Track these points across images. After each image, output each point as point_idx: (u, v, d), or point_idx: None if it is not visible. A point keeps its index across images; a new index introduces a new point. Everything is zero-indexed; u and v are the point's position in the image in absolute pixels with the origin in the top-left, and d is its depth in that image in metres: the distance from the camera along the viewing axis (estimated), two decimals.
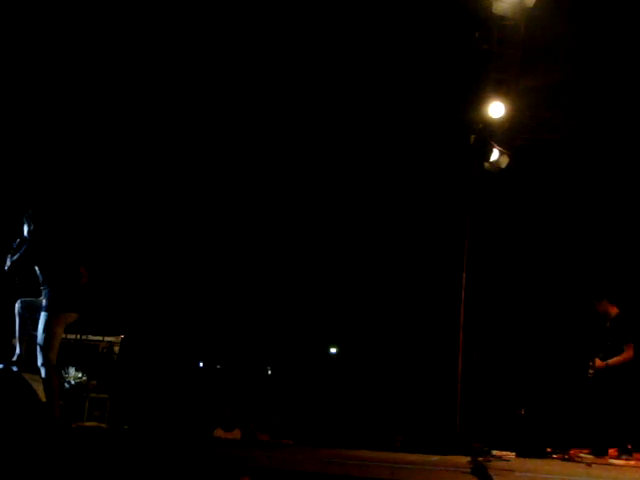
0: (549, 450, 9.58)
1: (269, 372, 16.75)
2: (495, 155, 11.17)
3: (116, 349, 10.35)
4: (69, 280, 7.15)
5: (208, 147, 14.70)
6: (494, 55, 11.38)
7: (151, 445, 6.88)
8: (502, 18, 10.77)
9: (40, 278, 7.16)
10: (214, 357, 16.53)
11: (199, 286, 15.21)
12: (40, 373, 7.06)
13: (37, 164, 12.79)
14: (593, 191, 11.37)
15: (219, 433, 10.29)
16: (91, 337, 10.17)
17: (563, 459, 9.09)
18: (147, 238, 14.57)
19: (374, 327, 14.48)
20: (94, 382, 8.85)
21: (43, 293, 7.13)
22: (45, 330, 6.99)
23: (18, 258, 7.10)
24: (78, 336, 9.35)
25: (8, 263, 7.14)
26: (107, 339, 10.33)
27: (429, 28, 12.36)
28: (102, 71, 13.39)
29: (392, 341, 14.07)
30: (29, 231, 7.25)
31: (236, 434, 10.40)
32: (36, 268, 7.18)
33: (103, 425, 8.01)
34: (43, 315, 7.02)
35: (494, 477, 5.84)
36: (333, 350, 17.56)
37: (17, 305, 7.26)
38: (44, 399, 7.04)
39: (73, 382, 8.47)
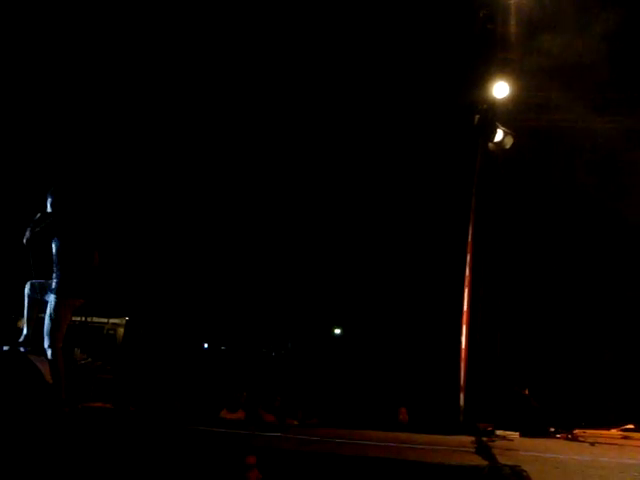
0: (552, 430, 9.63)
1: (273, 354, 16.81)
2: (499, 135, 11.12)
3: (121, 331, 10.39)
4: (81, 264, 7.10)
5: (221, 135, 14.72)
6: (498, 35, 11.32)
7: (157, 425, 6.91)
8: None
9: (54, 258, 7.09)
10: (219, 339, 16.58)
11: (204, 269, 15.23)
12: (46, 355, 7.06)
13: (61, 149, 12.90)
14: (599, 172, 11.34)
15: (224, 414, 10.33)
16: (96, 319, 10.20)
17: (566, 438, 9.14)
18: (152, 221, 14.58)
19: (377, 308, 14.49)
20: (99, 363, 8.89)
21: (53, 275, 7.09)
22: (53, 313, 6.97)
23: (39, 231, 7.01)
24: (83, 318, 9.37)
25: (28, 235, 7.07)
26: (112, 321, 10.37)
27: (433, 8, 12.28)
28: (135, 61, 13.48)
29: (395, 322, 14.10)
30: (52, 204, 7.19)
31: (241, 415, 10.44)
32: (52, 246, 7.11)
33: (109, 406, 8.04)
34: (52, 298, 7.00)
35: (498, 457, 5.89)
36: (337, 331, 17.59)
37: (27, 287, 7.25)
38: (51, 380, 7.06)
39: (79, 363, 8.51)
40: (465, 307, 10.95)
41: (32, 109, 13.06)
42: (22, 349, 7.28)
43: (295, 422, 10.46)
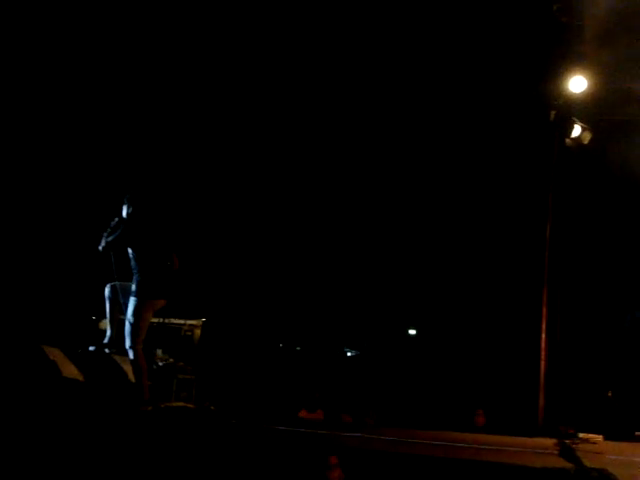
0: (638, 433, 9.34)
1: (348, 354, 16.83)
2: (577, 131, 10.88)
3: (197, 332, 10.52)
4: (160, 266, 7.20)
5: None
6: (573, 28, 11.07)
7: (238, 425, 6.99)
8: None
9: (132, 262, 7.22)
10: (293, 339, 16.69)
11: (278, 270, 15.35)
12: (128, 355, 7.22)
13: (140, 150, 13.19)
14: None
15: (303, 414, 10.40)
16: (174, 321, 10.35)
17: None
18: (227, 223, 14.77)
19: (453, 308, 14.36)
20: (181, 364, 9.03)
21: (133, 278, 7.23)
22: (133, 315, 7.11)
23: (114, 239, 7.15)
24: (161, 320, 9.54)
25: (103, 243, 7.21)
26: (189, 322, 10.50)
27: (507, 2, 12.11)
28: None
29: (471, 322, 13.93)
30: (128, 213, 7.30)
31: (319, 415, 10.48)
32: (129, 251, 7.24)
33: (190, 405, 8.17)
34: (132, 300, 7.14)
35: (583, 460, 5.72)
36: (412, 332, 17.49)
37: (106, 289, 7.41)
38: (134, 380, 7.23)
39: (160, 364, 8.66)
40: (544, 306, 10.74)
41: (109, 117, 13.41)
42: (107, 350, 7.48)
43: (372, 422, 10.45)
